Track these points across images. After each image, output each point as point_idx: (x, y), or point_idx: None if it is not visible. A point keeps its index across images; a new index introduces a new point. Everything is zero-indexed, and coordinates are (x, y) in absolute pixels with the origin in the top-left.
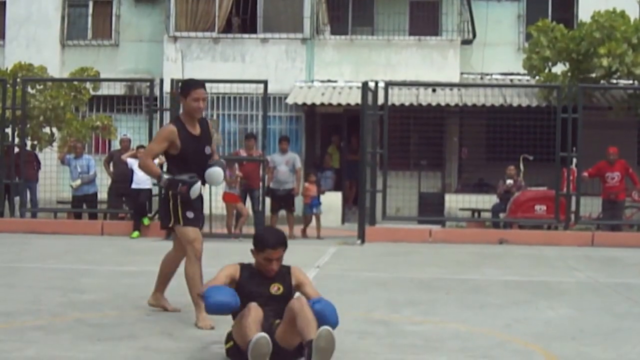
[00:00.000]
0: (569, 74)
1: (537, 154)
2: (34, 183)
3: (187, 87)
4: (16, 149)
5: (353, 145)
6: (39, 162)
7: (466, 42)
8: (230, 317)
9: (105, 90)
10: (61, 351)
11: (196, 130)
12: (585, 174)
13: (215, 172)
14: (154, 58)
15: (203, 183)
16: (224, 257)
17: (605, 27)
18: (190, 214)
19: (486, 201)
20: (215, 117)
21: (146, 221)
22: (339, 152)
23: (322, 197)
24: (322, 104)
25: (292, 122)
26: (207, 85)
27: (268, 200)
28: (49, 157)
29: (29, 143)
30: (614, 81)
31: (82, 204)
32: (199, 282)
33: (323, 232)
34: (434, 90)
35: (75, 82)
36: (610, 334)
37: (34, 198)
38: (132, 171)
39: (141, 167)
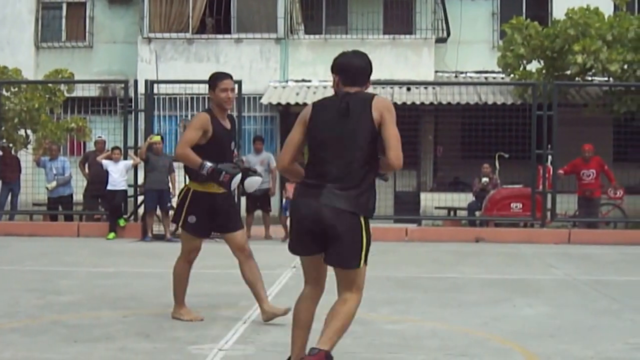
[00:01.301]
0: (544, 71)
1: (513, 151)
2: (16, 185)
3: (214, 80)
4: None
5: None
6: (19, 165)
7: (440, 41)
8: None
9: (80, 92)
10: (38, 353)
11: (226, 124)
12: (561, 171)
13: (255, 180)
14: (128, 59)
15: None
16: (200, 258)
17: (580, 24)
18: (192, 219)
19: (462, 199)
20: (190, 117)
21: (122, 222)
22: None
23: None
24: (297, 104)
25: (266, 122)
26: (182, 85)
27: (244, 200)
28: (24, 159)
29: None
30: (589, 78)
31: (57, 206)
32: (185, 282)
33: None
34: (408, 89)
35: (50, 84)
36: (589, 331)
37: (15, 201)
38: (107, 172)
39: (179, 157)
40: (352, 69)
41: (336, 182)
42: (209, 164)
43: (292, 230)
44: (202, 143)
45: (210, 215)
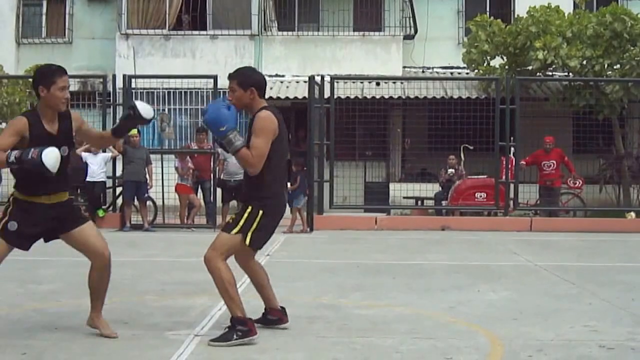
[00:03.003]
0: (507, 67)
1: (477, 143)
2: None
3: (51, 75)
4: None
5: (300, 137)
6: None
7: (408, 37)
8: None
9: None
10: (19, 340)
11: (54, 126)
12: (523, 162)
13: (144, 108)
14: (106, 55)
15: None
16: (177, 247)
17: (541, 21)
18: (12, 226)
19: (429, 189)
20: (166, 111)
21: (101, 213)
22: (288, 143)
23: None
24: (271, 98)
25: (241, 116)
26: (159, 80)
27: (219, 191)
28: None
29: None
30: (550, 73)
31: None
32: None
33: None
34: (377, 84)
35: (31, 79)
36: (550, 315)
37: None
38: (86, 164)
39: None
40: (265, 85)
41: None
42: (14, 152)
43: (270, 228)
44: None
45: (36, 226)
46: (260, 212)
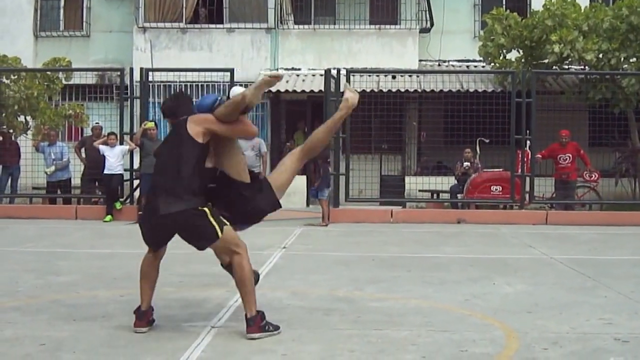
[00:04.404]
0: (523, 60)
1: (493, 137)
2: (16, 170)
3: None
4: None
5: None
6: (19, 150)
7: (424, 31)
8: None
9: (77, 79)
10: (38, 331)
11: None
12: (539, 155)
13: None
14: (123, 48)
15: None
16: None
17: (557, 14)
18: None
19: (445, 183)
20: None
21: (118, 205)
22: (304, 137)
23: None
24: (287, 91)
25: (257, 109)
26: (176, 73)
27: None
28: (23, 144)
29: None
30: (566, 67)
31: (56, 190)
32: None
33: (288, 214)
34: (393, 77)
35: (48, 72)
36: (565, 308)
37: (15, 184)
38: (104, 157)
39: None
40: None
41: None
42: None
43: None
44: None
45: None
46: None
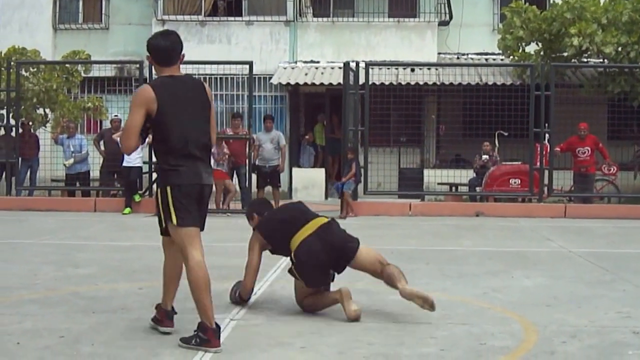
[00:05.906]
0: (542, 53)
1: (512, 130)
2: (35, 162)
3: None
4: (16, 130)
5: (335, 123)
6: (38, 142)
7: (443, 24)
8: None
9: (96, 72)
10: (57, 324)
11: None
12: (558, 148)
13: None
14: (142, 41)
15: None
16: (213, 232)
17: (576, 8)
18: None
19: (463, 176)
20: None
21: (137, 198)
22: (324, 129)
23: (310, 173)
24: (306, 84)
25: (276, 102)
26: (195, 66)
27: (254, 177)
28: (43, 137)
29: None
30: (585, 60)
31: (75, 182)
32: None
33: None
34: (412, 70)
35: (67, 65)
36: (583, 301)
37: (34, 177)
38: None
39: None
40: (164, 51)
41: None
42: None
43: (191, 203)
44: None
45: None
46: (168, 188)
